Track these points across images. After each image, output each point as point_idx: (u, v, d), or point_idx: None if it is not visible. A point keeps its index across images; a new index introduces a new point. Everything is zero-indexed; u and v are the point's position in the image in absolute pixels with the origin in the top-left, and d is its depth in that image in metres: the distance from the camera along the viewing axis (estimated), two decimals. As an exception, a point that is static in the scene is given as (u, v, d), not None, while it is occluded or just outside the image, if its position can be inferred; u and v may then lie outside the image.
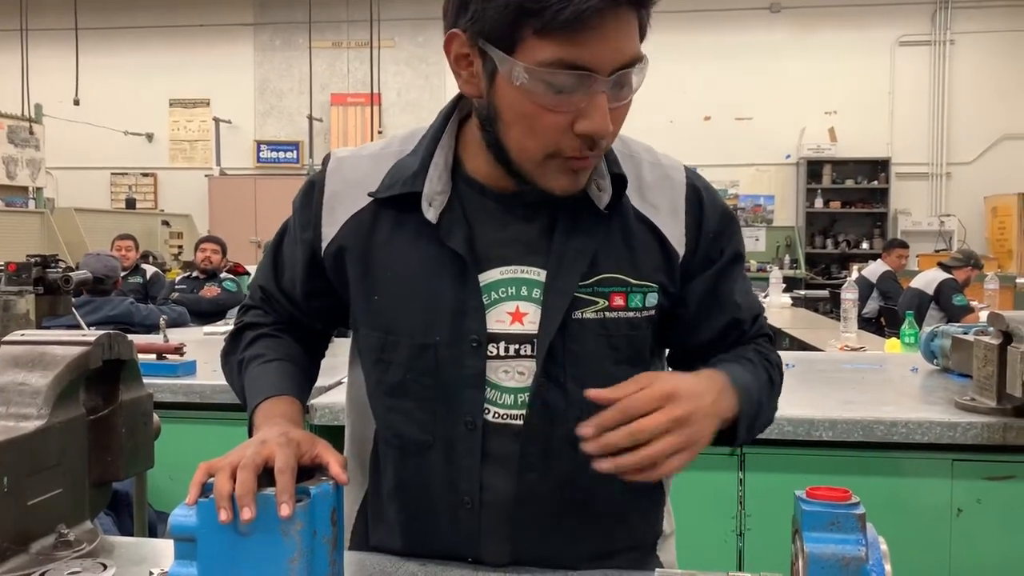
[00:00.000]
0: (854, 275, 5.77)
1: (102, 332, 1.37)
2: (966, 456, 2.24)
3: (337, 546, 1.05)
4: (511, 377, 1.14)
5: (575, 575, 1.16)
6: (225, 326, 5.09)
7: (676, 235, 1.17)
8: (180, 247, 10.86)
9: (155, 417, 1.51)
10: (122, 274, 6.58)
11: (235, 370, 1.28)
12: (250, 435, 1.13)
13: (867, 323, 6.78)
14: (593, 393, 1.01)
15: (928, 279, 6.66)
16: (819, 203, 11.38)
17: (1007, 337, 2.21)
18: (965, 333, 2.76)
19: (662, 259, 1.17)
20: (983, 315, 4.82)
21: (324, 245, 1.20)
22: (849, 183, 11.36)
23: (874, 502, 0.94)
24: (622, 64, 1.00)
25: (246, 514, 0.92)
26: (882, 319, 7.27)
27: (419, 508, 1.21)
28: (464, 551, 1.19)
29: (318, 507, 1.00)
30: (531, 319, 1.13)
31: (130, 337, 1.42)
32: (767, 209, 11.77)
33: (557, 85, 1.00)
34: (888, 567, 0.88)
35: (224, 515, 0.93)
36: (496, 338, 1.13)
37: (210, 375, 2.92)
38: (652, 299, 1.16)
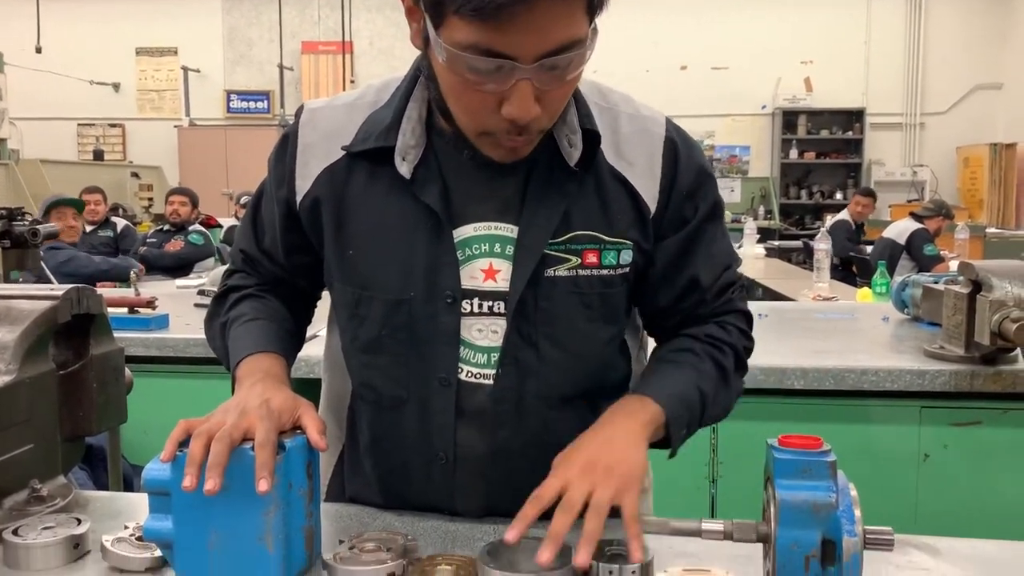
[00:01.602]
0: (827, 223, 5.81)
1: (70, 286, 1.35)
2: (934, 403, 2.29)
3: (313, 498, 1.06)
4: (484, 336, 1.14)
5: (546, 524, 1.18)
6: (197, 280, 5.05)
7: (650, 192, 1.14)
8: (150, 199, 10.68)
9: (127, 371, 1.49)
10: (91, 228, 6.50)
11: (218, 333, 1.26)
12: (233, 393, 1.12)
13: (833, 270, 6.85)
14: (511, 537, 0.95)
15: (900, 229, 6.73)
16: (794, 154, 11.41)
17: (976, 286, 2.24)
18: (935, 282, 2.80)
19: (635, 216, 1.13)
20: (953, 265, 4.89)
21: (299, 199, 1.18)
22: (824, 133, 11.39)
23: (844, 449, 0.95)
24: (548, 51, 0.94)
25: (209, 485, 0.91)
26: (854, 267, 7.35)
27: (395, 463, 1.21)
28: (439, 504, 1.20)
29: (293, 460, 1.00)
30: (504, 276, 1.12)
31: (100, 291, 1.40)
32: (742, 160, 11.78)
33: (475, 68, 0.94)
34: (858, 512, 0.89)
35: (188, 481, 0.92)
36: (470, 295, 1.12)
37: (183, 329, 2.89)
38: (627, 256, 1.14)
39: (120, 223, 6.85)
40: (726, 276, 1.21)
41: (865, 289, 4.56)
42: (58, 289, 1.33)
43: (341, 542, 1.07)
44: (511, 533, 0.96)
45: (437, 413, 1.15)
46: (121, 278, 5.34)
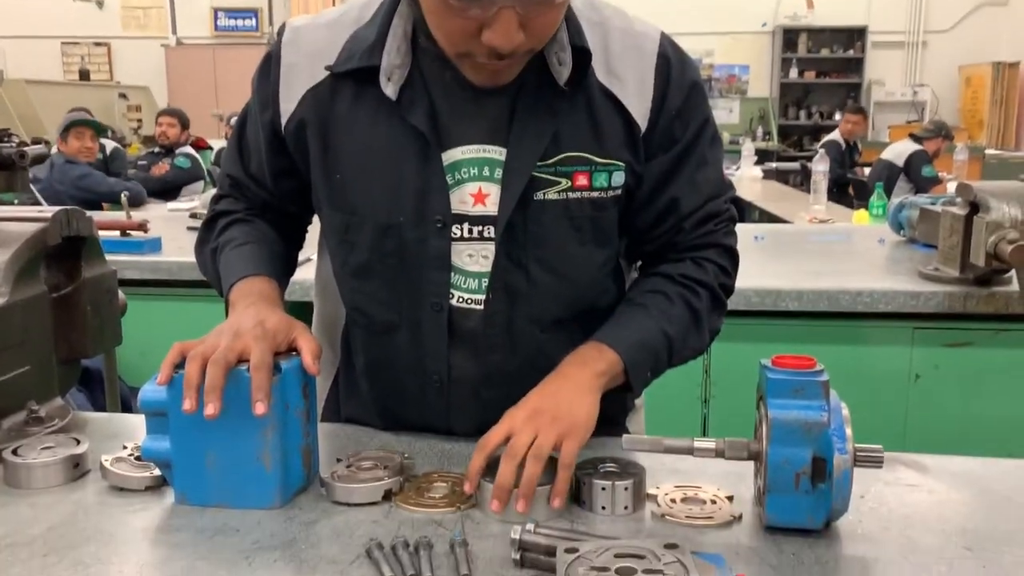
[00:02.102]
0: (818, 146, 5.72)
1: (59, 208, 1.33)
2: (927, 324, 2.31)
3: (310, 418, 1.07)
4: (475, 261, 1.12)
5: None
6: (189, 203, 5.00)
7: (641, 110, 1.10)
8: (139, 121, 10.51)
9: (120, 294, 1.49)
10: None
11: (209, 259, 1.25)
12: (227, 317, 1.11)
13: (828, 191, 6.79)
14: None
15: (898, 151, 6.67)
16: (794, 73, 11.22)
17: (974, 207, 2.23)
18: (932, 204, 2.78)
19: (627, 135, 1.11)
20: (951, 186, 4.86)
21: (284, 121, 1.15)
22: (825, 52, 11.18)
23: (836, 369, 0.96)
24: None
25: (210, 410, 0.92)
26: (850, 189, 7.30)
27: (389, 385, 1.22)
28: (435, 424, 1.22)
29: (289, 381, 1.01)
30: (493, 200, 1.10)
31: (89, 214, 1.38)
32: (741, 80, 11.59)
33: None
34: (849, 431, 0.90)
35: (188, 404, 0.93)
36: (459, 219, 1.11)
37: (176, 252, 2.88)
38: (618, 178, 1.11)
39: (109, 145, 6.74)
40: (711, 206, 1.17)
41: (862, 211, 4.55)
42: (47, 211, 1.32)
43: (339, 461, 1.09)
44: (467, 487, 0.99)
45: (429, 338, 1.15)
46: (134, 202, 5.31)
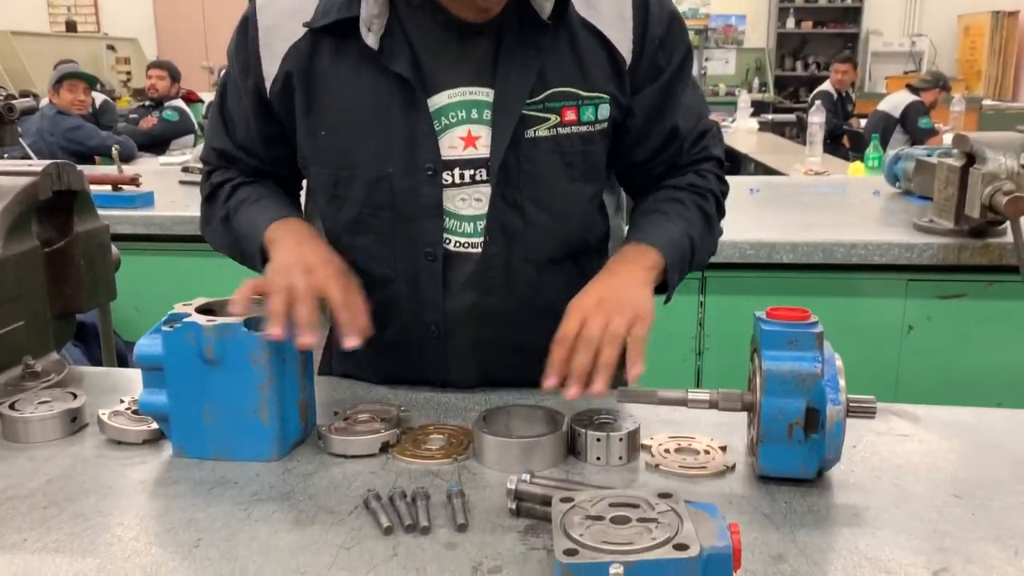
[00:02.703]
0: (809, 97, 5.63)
1: (49, 162, 1.32)
2: (921, 276, 2.31)
3: (306, 372, 1.07)
4: (468, 205, 1.12)
5: (535, 394, 1.20)
6: (181, 157, 4.95)
7: (623, 41, 1.12)
8: (128, 74, 10.34)
9: (113, 249, 1.48)
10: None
11: (221, 227, 1.22)
12: (263, 263, 1.10)
13: (823, 143, 6.74)
14: (548, 385, 0.99)
15: (895, 102, 6.61)
16: (791, 23, 11.07)
17: (970, 159, 2.22)
18: (929, 155, 2.77)
19: (611, 68, 1.12)
20: (948, 138, 4.84)
21: (268, 84, 1.13)
22: (822, 1, 11.01)
23: (830, 321, 0.96)
24: None
25: (308, 338, 0.98)
26: (844, 140, 7.25)
27: (386, 339, 1.22)
28: (434, 376, 1.22)
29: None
30: (484, 142, 1.10)
31: (80, 168, 1.37)
32: (738, 30, 11.43)
33: None
34: (842, 382, 0.91)
35: (279, 331, 0.96)
36: (450, 165, 1.11)
37: (168, 206, 2.86)
38: (604, 111, 1.13)
39: (99, 98, 6.65)
40: (702, 124, 1.22)
41: (857, 163, 4.53)
42: (37, 165, 1.30)
43: (336, 414, 1.09)
44: (549, 380, 0.99)
45: (425, 287, 1.15)
46: (124, 156, 5.26)
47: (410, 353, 1.21)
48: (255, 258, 1.13)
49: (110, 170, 3.16)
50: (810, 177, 4.16)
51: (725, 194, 1.26)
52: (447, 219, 1.13)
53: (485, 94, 1.09)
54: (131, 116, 6.53)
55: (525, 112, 1.09)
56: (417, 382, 1.23)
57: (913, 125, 6.35)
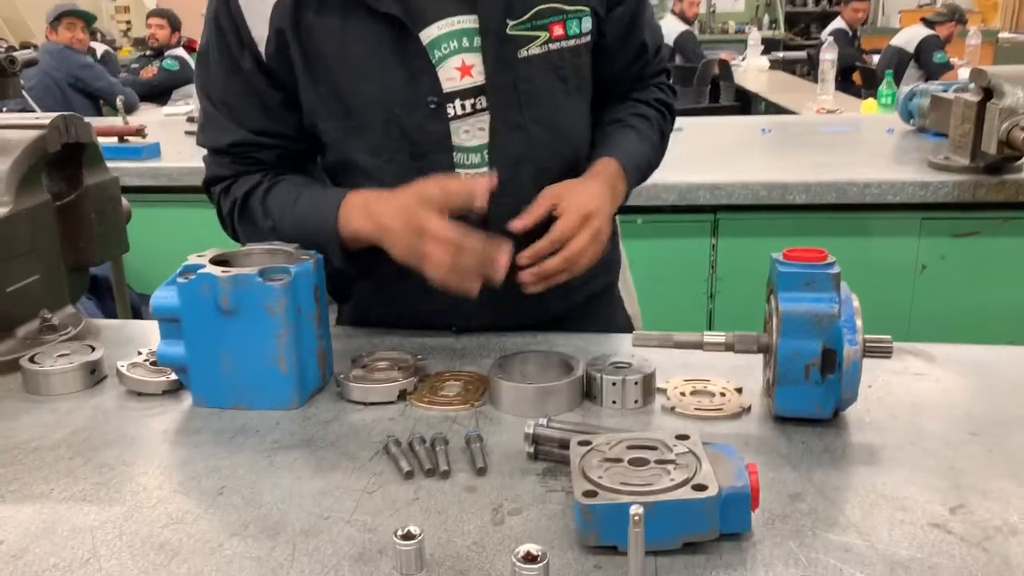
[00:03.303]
0: (829, 28, 5.52)
1: (56, 115, 1.31)
2: (935, 215, 2.29)
3: (322, 321, 1.07)
4: (472, 136, 1.13)
5: (549, 339, 1.20)
6: (185, 107, 4.91)
7: None
8: (128, 23, 10.22)
9: (124, 201, 1.48)
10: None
11: (271, 236, 1.13)
12: (347, 253, 1.10)
13: (845, 83, 6.64)
14: (517, 226, 1.08)
15: (909, 36, 6.48)
16: (802, -45, 10.83)
17: (987, 94, 2.18)
18: (945, 91, 2.72)
19: None
20: (963, 73, 4.75)
21: (263, 48, 1.11)
22: (834, -66, 10.74)
23: (843, 261, 0.95)
24: None
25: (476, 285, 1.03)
26: (853, 77, 7.12)
27: (399, 283, 1.22)
28: (443, 320, 1.22)
29: (300, 285, 1.01)
30: (479, 70, 1.11)
31: (87, 119, 1.36)
32: (748, -36, 11.17)
33: None
34: (859, 322, 0.90)
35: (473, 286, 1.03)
36: (451, 97, 1.11)
37: (175, 157, 2.85)
38: (587, 23, 1.16)
39: (100, 48, 6.59)
40: (658, 38, 1.32)
41: (870, 100, 4.45)
42: (44, 117, 1.29)
43: (353, 362, 1.10)
44: (518, 223, 1.08)
45: None
46: (127, 108, 5.22)
47: (423, 296, 1.20)
48: (330, 245, 1.09)
49: (115, 121, 3.14)
50: (822, 116, 4.10)
51: (673, 113, 1.36)
52: (455, 153, 1.13)
53: (472, 20, 1.10)
54: (132, 66, 6.47)
55: (514, 32, 1.10)
56: (429, 326, 1.23)
57: (928, 60, 6.24)
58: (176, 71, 6.30)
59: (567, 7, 1.13)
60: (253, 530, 0.77)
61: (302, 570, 0.71)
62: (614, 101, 1.30)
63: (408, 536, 0.69)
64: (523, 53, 1.11)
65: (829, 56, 4.72)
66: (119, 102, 3.29)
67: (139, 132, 2.94)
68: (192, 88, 6.30)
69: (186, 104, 5.29)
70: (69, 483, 0.87)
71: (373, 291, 1.28)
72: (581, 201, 1.10)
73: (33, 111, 3.85)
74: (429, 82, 1.10)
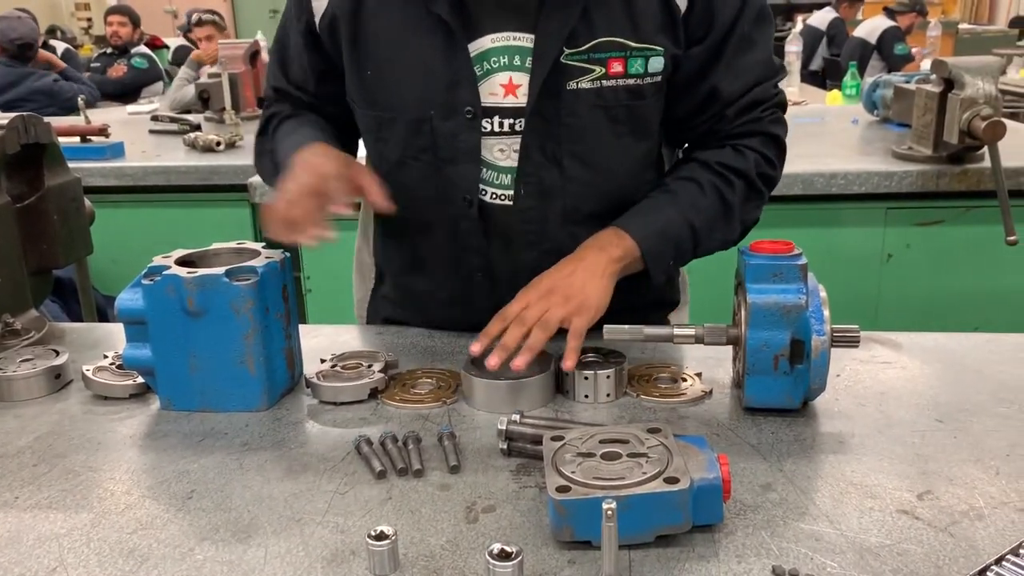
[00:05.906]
0: (799, 26, 5.59)
1: (14, 115, 1.28)
2: (899, 204, 2.32)
3: (291, 320, 1.06)
4: (506, 156, 1.10)
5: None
6: (149, 105, 4.85)
7: None
8: (89, 20, 10.05)
9: (87, 202, 1.46)
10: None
11: (268, 163, 1.21)
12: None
13: (812, 76, 6.70)
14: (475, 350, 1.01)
15: (872, 27, 6.56)
16: (767, -52, 10.87)
17: (948, 84, 2.21)
18: (907, 82, 2.76)
19: (666, 18, 1.06)
20: (925, 64, 4.81)
21: (318, 20, 1.13)
22: (798, -75, 10.82)
23: (810, 252, 0.96)
24: None
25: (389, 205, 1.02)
26: (823, 72, 7.19)
27: (429, 285, 1.22)
28: (474, 321, 1.15)
29: (268, 284, 1.00)
30: (524, 91, 1.06)
31: (47, 119, 1.33)
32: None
33: None
34: (827, 312, 0.91)
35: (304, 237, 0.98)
36: (490, 112, 1.08)
37: (139, 157, 2.80)
38: (656, 64, 1.06)
39: (60, 46, 6.46)
40: (757, 92, 1.12)
41: (835, 92, 4.50)
42: (2, 118, 1.27)
43: (323, 361, 1.09)
44: (476, 346, 1.00)
45: (466, 235, 1.14)
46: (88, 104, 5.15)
47: (455, 299, 1.21)
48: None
49: (77, 121, 3.08)
50: (788, 107, 4.13)
51: (768, 179, 1.17)
52: (484, 169, 1.11)
53: (528, 40, 1.05)
54: (93, 64, 6.35)
55: (567, 62, 1.05)
56: (462, 328, 1.23)
57: (889, 51, 6.32)
58: (146, 69, 6.22)
59: (633, 44, 1.05)
60: (224, 534, 0.76)
61: (274, 573, 0.71)
62: (687, 152, 1.18)
63: (381, 536, 0.69)
64: (572, 85, 1.05)
65: (794, 48, 4.76)
66: (80, 101, 3.23)
67: (102, 131, 2.89)
68: (159, 86, 6.23)
69: (150, 102, 5.22)
70: (34, 490, 0.85)
71: (393, 288, 1.31)
72: (536, 284, 1.05)
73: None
74: (469, 92, 1.06)
